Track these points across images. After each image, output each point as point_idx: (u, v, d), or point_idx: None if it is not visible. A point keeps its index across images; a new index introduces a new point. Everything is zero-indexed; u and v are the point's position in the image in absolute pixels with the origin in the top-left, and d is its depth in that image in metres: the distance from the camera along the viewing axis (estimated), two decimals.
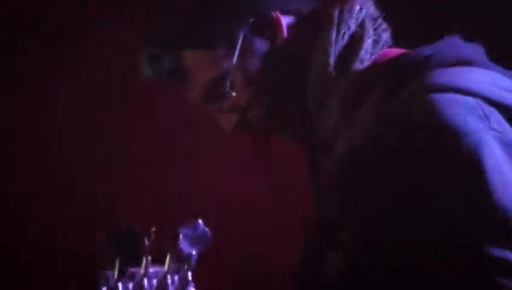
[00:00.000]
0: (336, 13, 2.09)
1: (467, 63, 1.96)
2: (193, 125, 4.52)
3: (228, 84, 2.09)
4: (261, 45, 2.14)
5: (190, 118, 4.28)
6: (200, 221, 1.92)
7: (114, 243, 1.76)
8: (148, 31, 2.13)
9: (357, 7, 2.10)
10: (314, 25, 2.11)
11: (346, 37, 2.09)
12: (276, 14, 2.10)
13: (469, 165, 1.83)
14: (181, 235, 1.88)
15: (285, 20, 2.12)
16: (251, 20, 2.09)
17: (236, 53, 2.08)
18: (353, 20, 2.10)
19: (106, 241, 1.61)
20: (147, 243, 1.77)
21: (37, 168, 4.94)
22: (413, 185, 1.86)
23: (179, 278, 1.90)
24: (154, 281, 1.84)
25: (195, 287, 1.90)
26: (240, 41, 2.09)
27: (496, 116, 1.91)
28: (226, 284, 4.37)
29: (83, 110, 4.91)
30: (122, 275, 1.77)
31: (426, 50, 2.01)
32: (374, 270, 1.97)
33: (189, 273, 1.91)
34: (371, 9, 2.14)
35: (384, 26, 2.12)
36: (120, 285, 1.76)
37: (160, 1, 2.18)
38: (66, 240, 4.73)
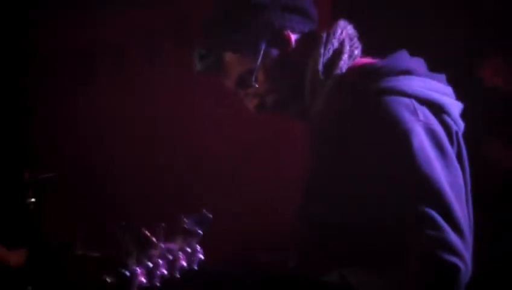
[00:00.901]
0: (325, 35, 2.20)
1: (408, 72, 2.09)
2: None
3: (253, 78, 2.18)
4: (276, 53, 2.20)
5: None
6: (204, 210, 1.98)
7: (129, 241, 1.81)
8: (198, 38, 2.25)
9: (339, 31, 2.20)
10: (310, 42, 2.21)
11: (331, 51, 2.18)
12: (287, 32, 2.20)
13: (403, 143, 1.96)
14: (188, 221, 1.93)
15: (294, 37, 2.21)
16: (271, 34, 2.18)
17: (260, 57, 2.17)
18: (336, 40, 2.19)
19: (123, 241, 1.52)
20: (161, 231, 1.85)
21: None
22: (364, 154, 1.98)
23: (190, 249, 1.94)
24: (170, 257, 1.89)
25: (202, 254, 1.96)
26: (262, 49, 2.17)
27: (423, 110, 2.03)
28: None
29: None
30: (139, 262, 1.82)
31: (381, 62, 2.15)
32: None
33: (198, 246, 1.96)
34: (350, 31, 2.23)
35: (357, 44, 2.23)
36: (137, 269, 1.80)
37: (209, 17, 2.25)
38: None
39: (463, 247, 1.89)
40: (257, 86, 2.16)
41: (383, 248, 1.96)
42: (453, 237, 1.88)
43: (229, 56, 2.17)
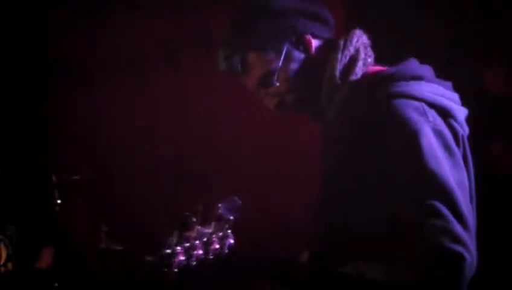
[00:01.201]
0: (342, 42, 2.25)
1: (418, 78, 2.16)
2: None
3: (275, 77, 2.22)
4: (297, 55, 2.24)
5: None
6: (236, 197, 2.06)
7: (172, 221, 1.90)
8: (223, 39, 2.29)
9: (355, 39, 2.26)
10: (329, 48, 2.27)
11: (347, 58, 2.24)
12: (308, 36, 2.26)
13: (412, 142, 2.02)
14: (221, 207, 2.01)
15: (314, 42, 2.27)
16: (293, 38, 2.23)
17: (282, 58, 2.22)
18: (352, 47, 2.25)
19: (167, 220, 1.59)
20: (193, 219, 1.92)
21: None
22: (377, 154, 2.05)
23: (222, 234, 2.02)
24: (204, 239, 1.96)
25: (233, 239, 2.04)
26: (284, 51, 2.22)
27: (432, 113, 2.10)
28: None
29: None
30: (179, 242, 1.90)
31: (393, 69, 2.21)
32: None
33: (229, 231, 2.04)
34: (364, 40, 2.29)
35: (370, 53, 2.30)
36: (179, 247, 1.88)
37: (234, 19, 2.29)
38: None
39: (468, 238, 1.95)
40: (278, 84, 2.20)
41: (393, 241, 2.02)
42: (458, 228, 1.94)
43: (252, 56, 2.21)
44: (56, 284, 4.03)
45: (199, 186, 4.61)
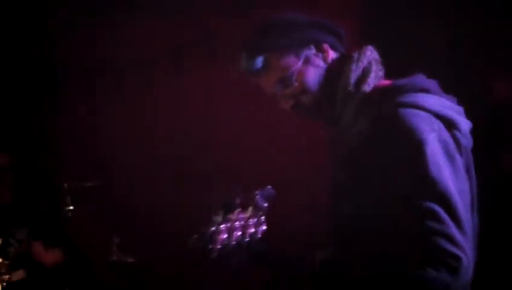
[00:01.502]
0: (356, 54, 2.42)
1: (426, 90, 2.32)
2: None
3: (293, 78, 2.38)
4: (315, 61, 2.40)
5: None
6: (269, 186, 2.25)
7: (220, 202, 2.05)
8: (246, 41, 2.43)
9: (368, 52, 2.43)
10: (343, 60, 2.43)
11: (360, 69, 2.40)
12: (326, 45, 2.42)
13: (417, 150, 2.16)
14: (257, 195, 2.17)
15: (331, 53, 2.43)
16: (313, 45, 2.40)
17: (300, 61, 2.37)
18: (365, 60, 2.41)
19: (216, 201, 1.73)
20: (237, 201, 2.09)
21: None
22: (384, 160, 2.18)
23: (257, 220, 2.15)
24: (242, 222, 2.11)
25: (266, 225, 2.18)
26: (303, 55, 2.37)
27: (438, 123, 2.24)
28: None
29: None
30: (223, 221, 2.05)
31: (402, 82, 2.37)
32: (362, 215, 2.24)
33: (263, 217, 2.17)
34: (376, 55, 2.46)
35: (381, 67, 2.46)
36: (223, 225, 2.03)
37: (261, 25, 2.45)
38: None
39: (464, 241, 2.08)
40: (296, 84, 2.35)
41: (397, 242, 2.13)
42: (454, 230, 2.08)
43: (274, 58, 2.36)
44: None
45: (199, 186, 4.70)
